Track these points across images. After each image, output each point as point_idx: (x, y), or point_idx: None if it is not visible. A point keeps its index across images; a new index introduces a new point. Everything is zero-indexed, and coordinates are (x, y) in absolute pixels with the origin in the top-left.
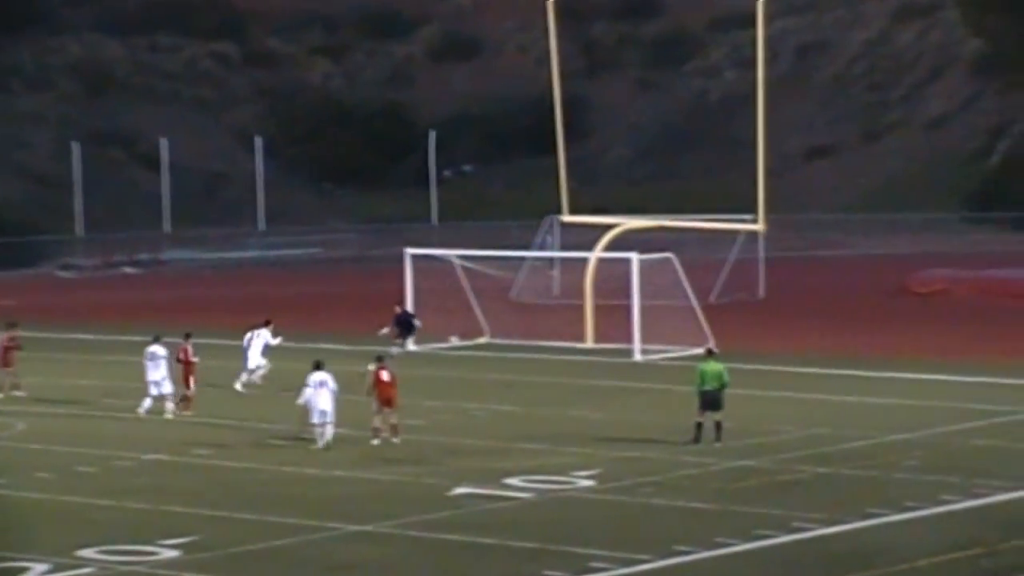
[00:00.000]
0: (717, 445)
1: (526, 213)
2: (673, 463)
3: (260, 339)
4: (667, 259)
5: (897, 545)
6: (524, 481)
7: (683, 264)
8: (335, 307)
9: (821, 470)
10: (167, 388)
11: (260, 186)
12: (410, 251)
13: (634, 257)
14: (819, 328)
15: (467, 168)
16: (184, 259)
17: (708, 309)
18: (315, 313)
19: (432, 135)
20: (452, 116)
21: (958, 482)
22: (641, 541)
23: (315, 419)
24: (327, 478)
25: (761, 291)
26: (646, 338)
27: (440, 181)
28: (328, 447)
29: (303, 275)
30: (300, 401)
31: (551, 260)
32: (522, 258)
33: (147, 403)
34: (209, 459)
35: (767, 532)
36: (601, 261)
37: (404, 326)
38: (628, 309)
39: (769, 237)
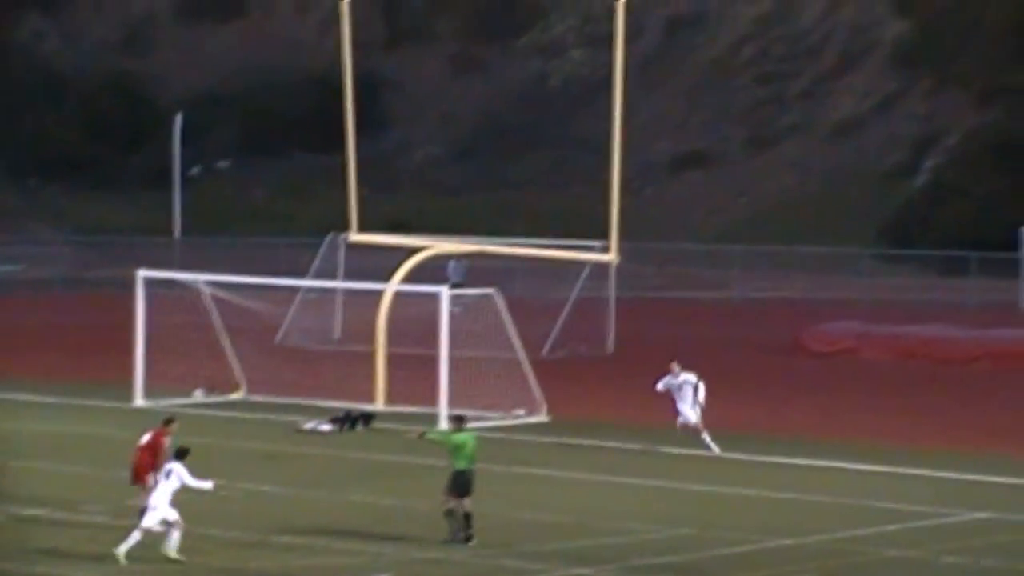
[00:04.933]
0: (471, 544)
1: (301, 228)
2: (488, 568)
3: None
4: (488, 296)
5: None
6: None
7: (509, 303)
8: (38, 345)
9: None
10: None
11: None
12: (143, 273)
13: (444, 292)
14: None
15: (223, 165)
16: None
17: (540, 364)
18: (9, 352)
19: (177, 119)
20: (204, 95)
21: None
22: None
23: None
24: None
25: (610, 343)
26: (456, 401)
27: (186, 181)
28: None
29: None
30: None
31: (334, 292)
32: (295, 288)
33: None
34: None
35: None
36: (400, 296)
37: None
38: (433, 361)
39: (623, 271)
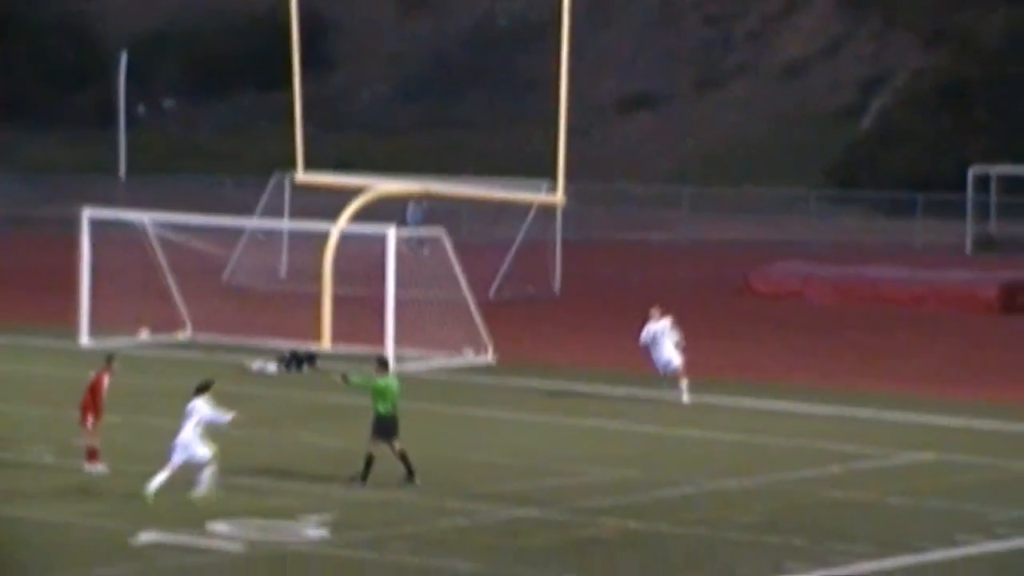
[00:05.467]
0: (418, 483)
1: (247, 167)
2: (433, 509)
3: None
4: (435, 237)
5: None
6: (234, 528)
7: (456, 244)
8: None
9: (631, 525)
10: None
11: None
12: (89, 212)
13: (391, 233)
14: (629, 337)
15: (168, 103)
16: None
17: (487, 306)
18: None
19: (123, 58)
20: (150, 34)
21: (808, 546)
22: None
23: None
24: None
25: (556, 285)
26: (402, 341)
27: (131, 120)
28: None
29: None
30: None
31: (280, 232)
32: (241, 228)
33: None
34: None
35: None
36: (346, 236)
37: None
38: (379, 302)
39: (569, 213)
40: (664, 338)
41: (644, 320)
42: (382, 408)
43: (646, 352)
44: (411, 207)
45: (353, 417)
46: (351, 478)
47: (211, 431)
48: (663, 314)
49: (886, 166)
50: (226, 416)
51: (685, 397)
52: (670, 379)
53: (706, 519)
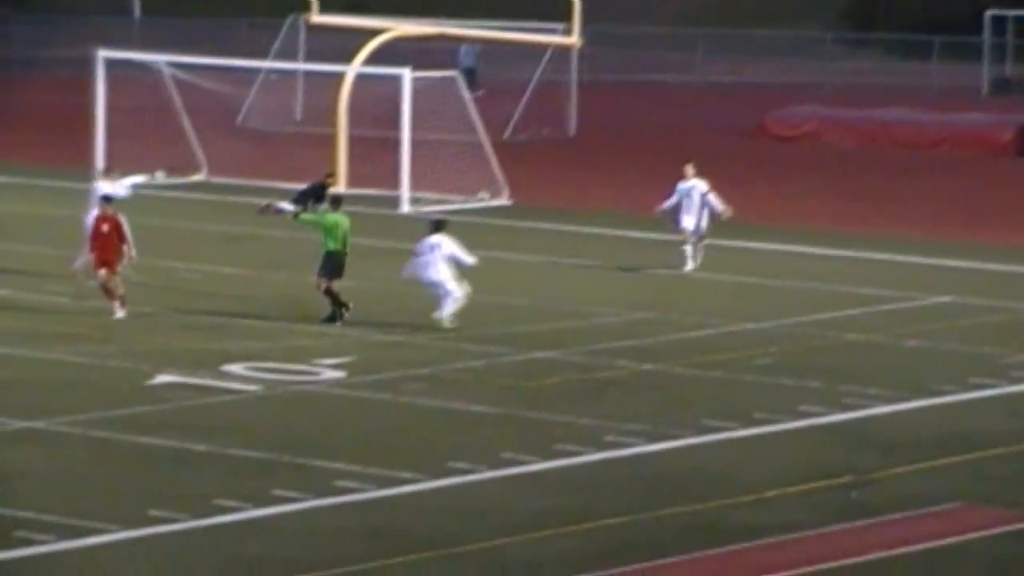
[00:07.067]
0: (338, 325)
1: (259, 8)
2: (449, 351)
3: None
4: (450, 79)
5: (740, 469)
6: (250, 369)
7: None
8: None
9: (645, 367)
10: None
11: None
12: (104, 53)
13: (406, 74)
14: (644, 179)
15: None
16: None
17: (502, 148)
18: None
19: None
20: None
21: (823, 388)
22: (405, 453)
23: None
24: None
25: (572, 127)
26: (418, 184)
27: None
28: (450, 322)
29: None
30: (405, 276)
31: (295, 74)
32: (256, 70)
33: None
34: None
35: (570, 448)
36: (360, 78)
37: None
38: (395, 144)
39: (584, 55)
40: (690, 199)
41: (669, 191)
42: (332, 245)
43: (672, 214)
44: (464, 49)
45: (370, 258)
46: (328, 318)
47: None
48: (697, 174)
49: (902, 8)
50: (470, 258)
51: (689, 264)
52: (691, 239)
53: (722, 361)
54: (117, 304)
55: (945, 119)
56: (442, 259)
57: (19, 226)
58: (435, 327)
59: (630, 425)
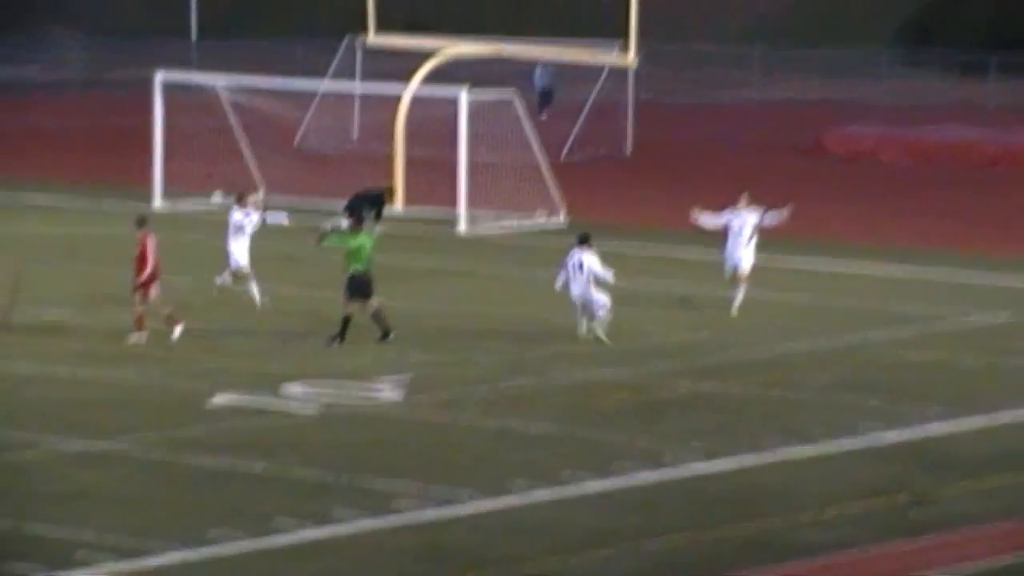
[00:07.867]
0: (392, 337)
1: (317, 29)
2: (505, 370)
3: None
4: (507, 100)
5: (799, 487)
6: (308, 389)
7: (528, 106)
8: (55, 147)
9: (703, 387)
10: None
11: None
12: (162, 75)
13: (463, 95)
14: (702, 197)
15: None
16: None
17: (559, 168)
18: (22, 156)
19: None
20: None
21: (882, 407)
22: (463, 472)
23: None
24: (49, 377)
25: (628, 147)
26: (474, 203)
27: None
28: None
29: (4, 103)
30: (557, 286)
31: (352, 94)
32: (313, 91)
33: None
34: None
35: (629, 465)
36: (417, 99)
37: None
38: (452, 165)
39: (640, 75)
40: (741, 231)
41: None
42: (355, 267)
43: (721, 245)
44: (539, 70)
45: (423, 279)
46: (331, 339)
47: None
48: (751, 204)
49: (959, 25)
50: (609, 274)
51: (735, 308)
52: (731, 280)
53: (779, 380)
54: (176, 327)
55: (1002, 137)
56: (588, 276)
57: (77, 249)
58: (590, 340)
59: (688, 444)
